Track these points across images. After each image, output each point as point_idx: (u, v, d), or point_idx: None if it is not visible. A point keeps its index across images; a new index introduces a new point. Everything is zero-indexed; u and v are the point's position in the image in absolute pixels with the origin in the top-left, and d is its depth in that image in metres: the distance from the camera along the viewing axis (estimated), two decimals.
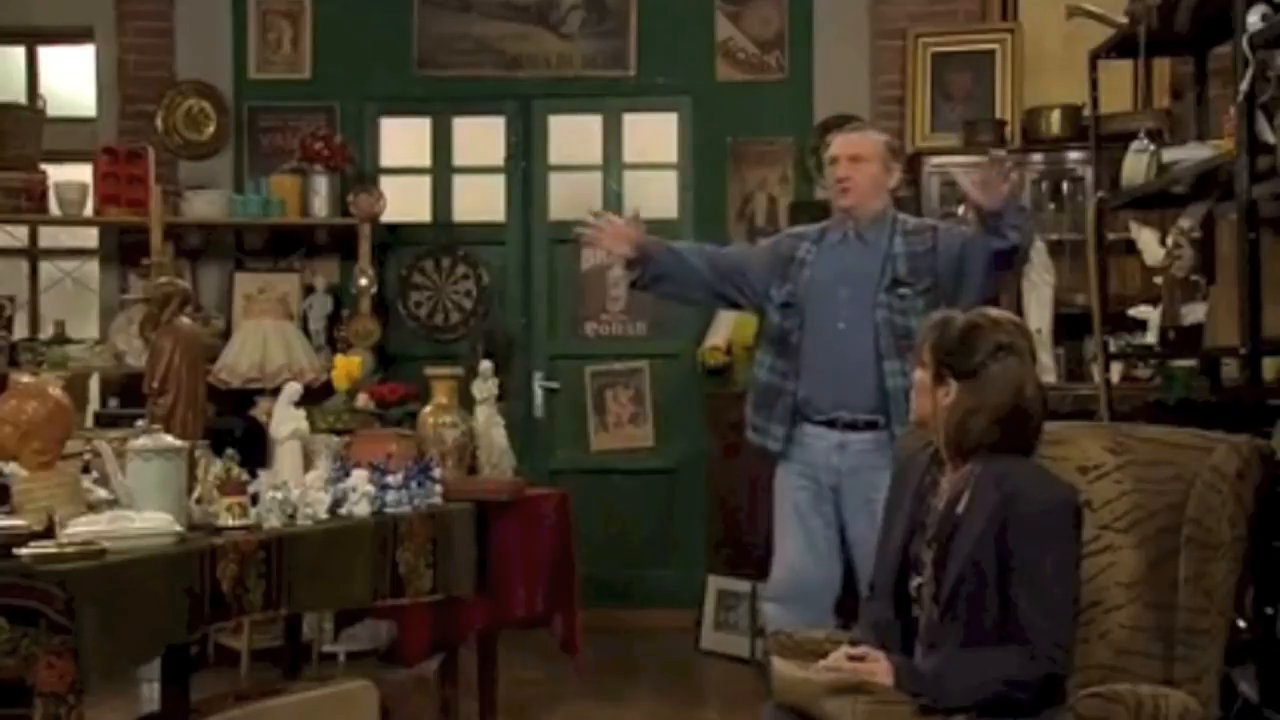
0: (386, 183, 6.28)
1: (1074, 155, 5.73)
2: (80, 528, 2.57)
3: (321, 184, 5.91)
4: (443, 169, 6.49)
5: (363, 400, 4.34)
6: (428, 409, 3.91)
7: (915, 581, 2.54)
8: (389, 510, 3.27)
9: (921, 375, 2.55)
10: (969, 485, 2.46)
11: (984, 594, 2.38)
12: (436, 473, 3.48)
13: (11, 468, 2.79)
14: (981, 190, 3.55)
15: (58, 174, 5.94)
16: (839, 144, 3.87)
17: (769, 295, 3.83)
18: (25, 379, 2.95)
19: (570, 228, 6.42)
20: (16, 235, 6.47)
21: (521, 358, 6.28)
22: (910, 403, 2.66)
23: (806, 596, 3.69)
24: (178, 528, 2.72)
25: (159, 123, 6.25)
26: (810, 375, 3.72)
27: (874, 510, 3.35)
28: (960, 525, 2.43)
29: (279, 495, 2.99)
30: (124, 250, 6.18)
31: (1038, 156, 5.83)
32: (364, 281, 5.87)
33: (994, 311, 2.61)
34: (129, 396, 5.61)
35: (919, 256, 3.72)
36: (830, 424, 3.70)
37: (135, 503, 2.78)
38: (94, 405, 5.98)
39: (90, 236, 6.40)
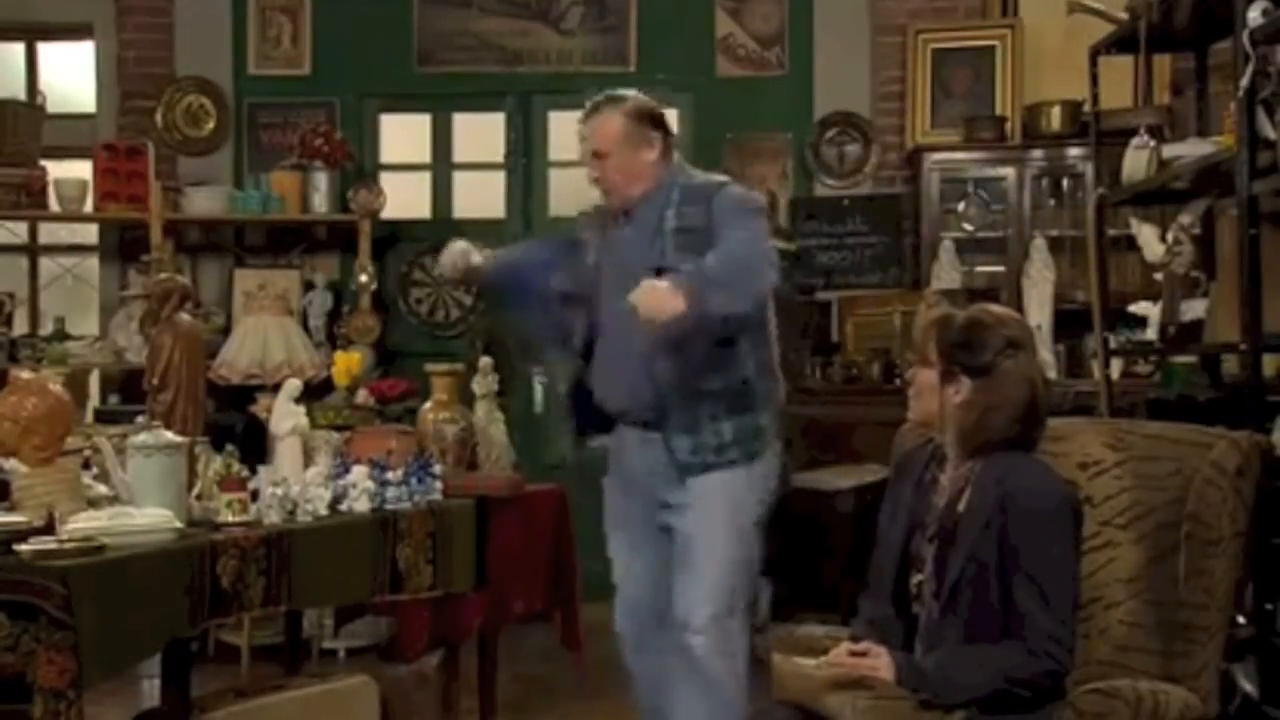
0: (386, 179, 6.29)
1: (1074, 151, 5.74)
2: (80, 524, 2.57)
3: (321, 180, 5.92)
4: (443, 165, 6.49)
5: (363, 396, 4.34)
6: (428, 405, 3.90)
7: (916, 578, 2.54)
8: (389, 506, 3.26)
9: (925, 374, 2.54)
10: (970, 482, 2.46)
11: (985, 590, 2.38)
12: (436, 469, 3.48)
13: (12, 464, 2.79)
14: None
15: (57, 170, 5.94)
16: (580, 139, 3.40)
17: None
18: (25, 375, 2.94)
19: (570, 224, 6.46)
20: (16, 231, 6.47)
21: (520, 354, 6.27)
22: (910, 401, 2.63)
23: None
24: (178, 524, 2.72)
25: (159, 119, 6.25)
26: (596, 377, 3.35)
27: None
28: (961, 522, 2.43)
29: (279, 491, 2.99)
30: (124, 246, 6.19)
31: (1038, 152, 5.84)
32: (364, 278, 5.87)
33: (995, 308, 2.61)
34: (129, 393, 5.62)
35: (690, 234, 3.17)
36: (631, 424, 3.32)
37: (135, 499, 2.78)
38: (94, 401, 5.98)
39: (90, 233, 6.40)
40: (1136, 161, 3.97)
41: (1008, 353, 2.46)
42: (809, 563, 5.31)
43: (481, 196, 6.46)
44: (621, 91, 3.41)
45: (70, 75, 6.52)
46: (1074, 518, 2.44)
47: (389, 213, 6.11)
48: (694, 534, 3.22)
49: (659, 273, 3.05)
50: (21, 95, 6.32)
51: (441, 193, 6.50)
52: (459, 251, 3.44)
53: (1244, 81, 3.23)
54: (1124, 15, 4.20)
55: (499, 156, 6.42)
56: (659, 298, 2.90)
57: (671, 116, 6.24)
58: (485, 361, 4.03)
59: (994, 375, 2.45)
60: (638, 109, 3.34)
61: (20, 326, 6.14)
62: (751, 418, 3.23)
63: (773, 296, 3.25)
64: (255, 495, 2.99)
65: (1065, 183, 5.87)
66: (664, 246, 3.20)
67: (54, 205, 5.90)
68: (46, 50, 6.54)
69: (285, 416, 3.40)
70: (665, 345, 3.08)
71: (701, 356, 3.13)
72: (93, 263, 6.44)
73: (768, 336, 3.29)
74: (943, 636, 2.44)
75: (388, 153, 6.49)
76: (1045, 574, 2.35)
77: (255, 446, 3.53)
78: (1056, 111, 5.74)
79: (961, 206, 5.90)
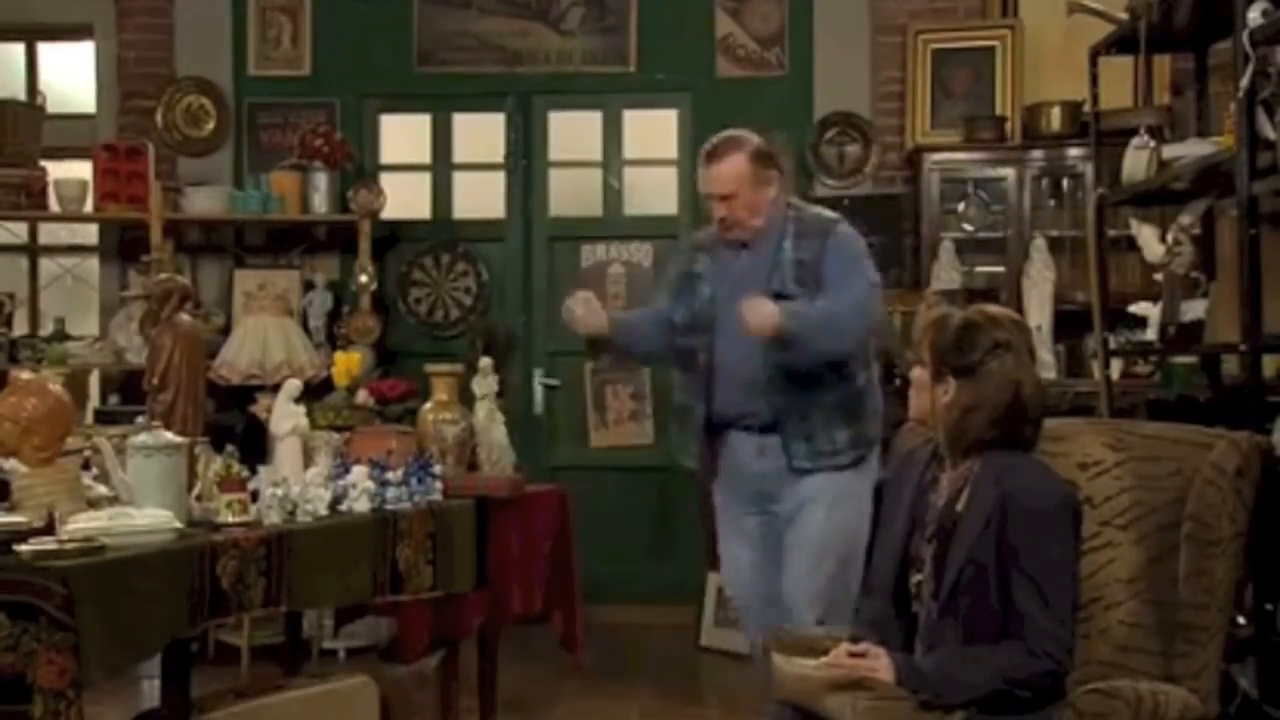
0: (386, 179, 6.28)
1: (1074, 152, 5.74)
2: (80, 524, 2.56)
3: (321, 180, 5.91)
4: (443, 165, 6.49)
5: (363, 397, 4.34)
6: (428, 406, 3.90)
7: (915, 578, 2.54)
8: (389, 507, 3.26)
9: (920, 373, 2.56)
10: (969, 482, 2.46)
11: (984, 591, 2.38)
12: (436, 469, 3.48)
13: (12, 464, 2.79)
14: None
15: (57, 170, 5.94)
16: (703, 183, 3.65)
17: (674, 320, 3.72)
18: (25, 375, 2.94)
19: (570, 224, 6.49)
20: (16, 232, 6.47)
21: (521, 354, 6.28)
22: (910, 400, 2.65)
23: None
24: (178, 524, 2.72)
25: (159, 119, 6.25)
26: (717, 393, 3.63)
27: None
28: (960, 522, 2.44)
29: (279, 492, 2.99)
30: (124, 247, 6.19)
31: (1038, 153, 5.83)
32: (364, 278, 5.87)
33: (992, 309, 2.61)
34: (129, 393, 5.62)
35: (805, 265, 3.55)
36: (747, 429, 3.63)
37: (135, 499, 2.78)
38: (94, 402, 5.98)
39: (90, 233, 6.40)
40: (1136, 162, 3.97)
41: (995, 354, 2.46)
42: None
43: (481, 196, 6.46)
44: (739, 133, 3.65)
45: (70, 75, 6.52)
46: (1073, 518, 2.44)
47: (389, 213, 6.11)
48: (801, 526, 3.55)
49: (777, 297, 3.44)
50: (21, 95, 6.32)
51: (441, 193, 6.50)
52: (588, 302, 3.66)
53: (1244, 82, 3.23)
54: (1124, 15, 4.21)
55: (499, 156, 6.42)
56: (761, 314, 3.34)
57: (671, 117, 6.37)
58: (485, 361, 4.03)
59: (977, 376, 2.46)
60: (758, 150, 3.60)
61: (20, 327, 6.13)
62: (862, 425, 3.59)
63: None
64: (255, 495, 2.99)
65: (1065, 183, 5.87)
66: (783, 276, 3.54)
67: (54, 205, 5.90)
68: (46, 50, 6.54)
69: (285, 417, 3.40)
70: (780, 361, 3.44)
71: (819, 372, 3.49)
72: (93, 263, 6.43)
73: (870, 353, 3.68)
74: (942, 636, 2.44)
75: (388, 153, 6.49)
76: (1044, 574, 2.35)
77: (255, 447, 3.53)
78: (1056, 112, 5.74)
79: (961, 207, 5.89)
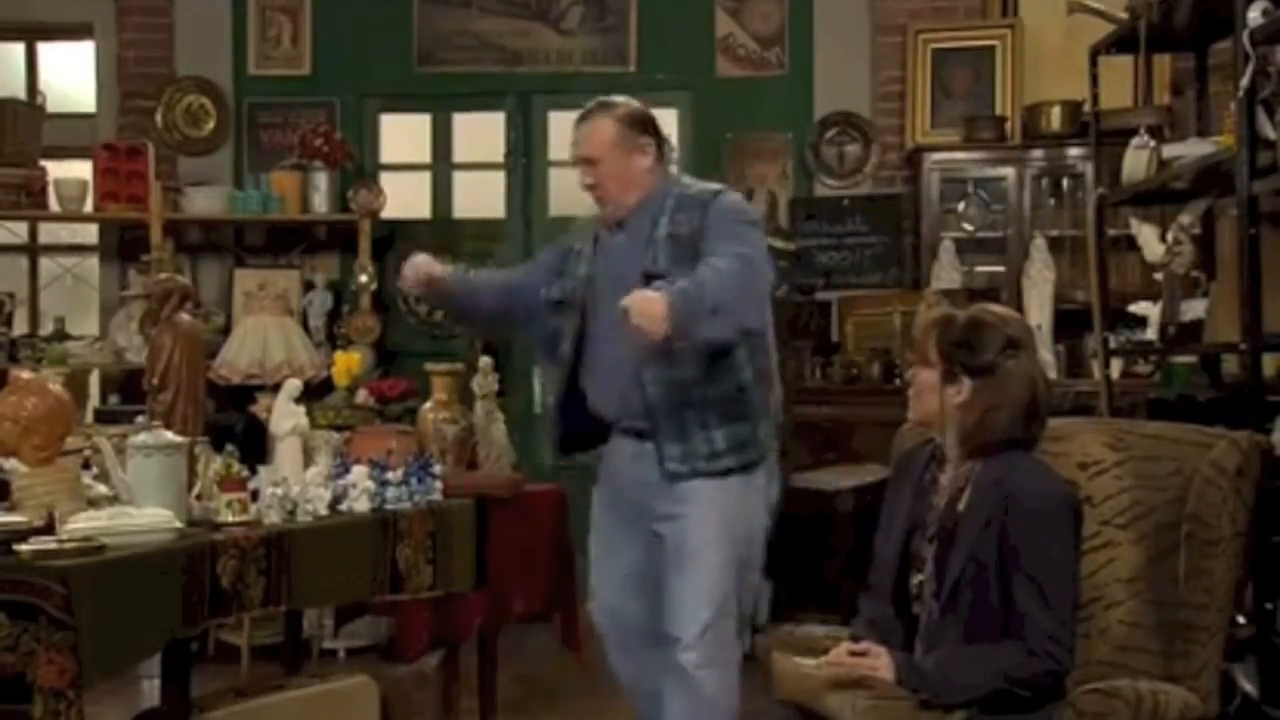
0: (386, 179, 6.29)
1: (1074, 151, 5.74)
2: (80, 524, 2.56)
3: (321, 180, 5.91)
4: (443, 165, 6.49)
5: (363, 396, 4.34)
6: (427, 405, 3.90)
7: (916, 579, 2.54)
8: (389, 506, 3.26)
9: (926, 374, 2.54)
10: (970, 482, 2.46)
11: (985, 590, 2.38)
12: (436, 469, 3.48)
13: (12, 464, 2.79)
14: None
15: (57, 170, 5.94)
16: (571, 146, 3.33)
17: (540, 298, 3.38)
18: (25, 375, 2.94)
19: (571, 223, 6.46)
20: (16, 231, 6.47)
21: (521, 353, 6.27)
22: (910, 401, 2.64)
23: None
24: (178, 524, 2.72)
25: (159, 119, 6.25)
26: (590, 388, 3.28)
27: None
28: (961, 522, 2.44)
29: (279, 491, 2.99)
30: (124, 246, 6.19)
31: (1038, 152, 5.84)
32: (364, 278, 5.87)
33: (995, 308, 2.61)
34: (129, 393, 5.62)
35: (681, 241, 3.13)
36: (624, 432, 3.25)
37: (135, 499, 2.78)
38: (94, 401, 5.98)
39: (90, 233, 6.40)
40: (1136, 161, 3.97)
41: (1009, 352, 2.46)
42: (809, 563, 5.32)
43: (481, 196, 6.46)
44: (614, 98, 3.34)
45: (70, 75, 6.52)
46: (1074, 518, 2.44)
47: (389, 213, 6.11)
48: (683, 542, 3.14)
49: (650, 279, 3.00)
50: (21, 95, 6.32)
51: (441, 193, 6.50)
52: (421, 262, 3.40)
53: (1244, 81, 3.23)
54: (1124, 15, 4.20)
55: (499, 156, 6.42)
56: (649, 312, 2.83)
57: (671, 116, 6.36)
58: (485, 361, 4.03)
59: (995, 375, 2.46)
60: (629, 114, 3.26)
61: (20, 326, 6.13)
62: (746, 426, 3.16)
63: (771, 302, 3.21)
64: (255, 495, 2.99)
65: (1065, 183, 5.87)
66: (656, 254, 3.15)
67: (54, 205, 5.89)
68: (46, 50, 6.54)
69: (285, 416, 3.40)
70: (657, 352, 3.00)
71: (694, 364, 3.07)
72: (93, 263, 6.44)
73: (767, 344, 3.21)
74: (943, 636, 2.44)
75: (388, 153, 6.49)
76: (1045, 574, 2.35)
77: (255, 446, 3.53)
78: (1056, 111, 5.74)
79: (961, 206, 5.90)
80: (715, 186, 3.30)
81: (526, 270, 3.62)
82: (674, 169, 3.37)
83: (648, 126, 3.27)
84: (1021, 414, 2.46)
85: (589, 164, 3.25)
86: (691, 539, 3.13)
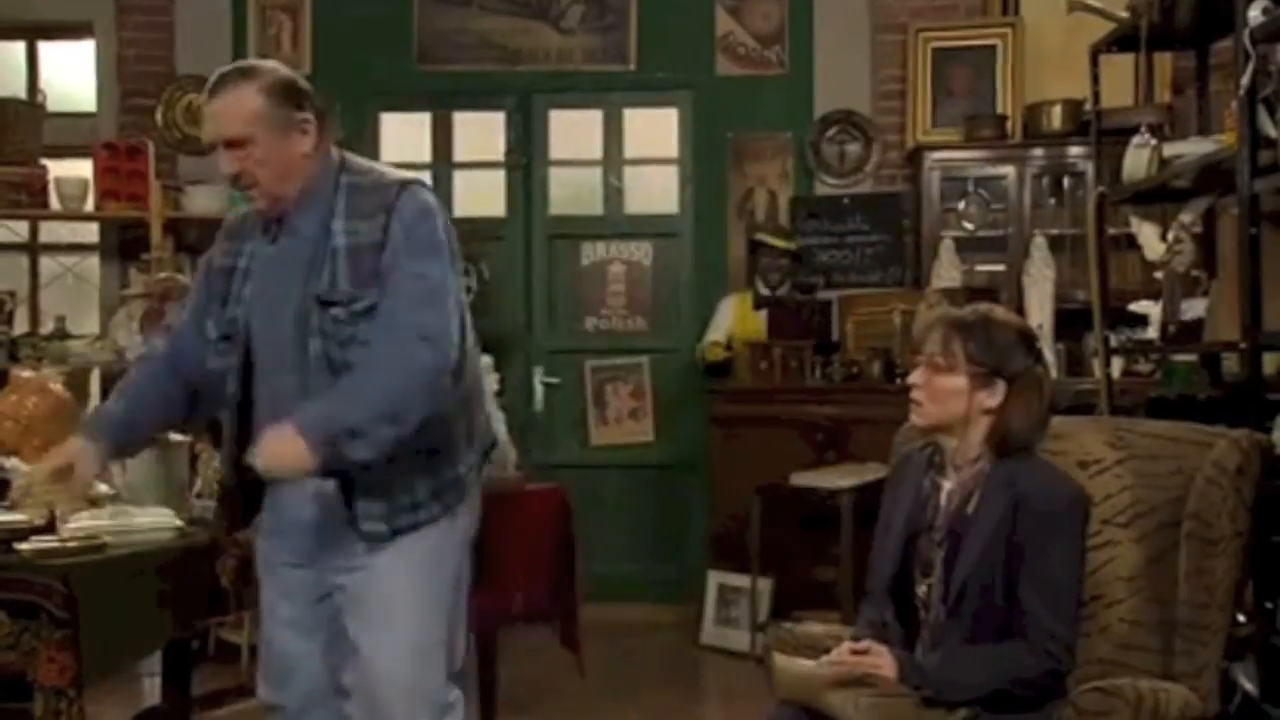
0: None
1: (1075, 150, 5.74)
2: (81, 523, 2.57)
3: None
4: (443, 164, 6.49)
5: None
6: None
7: (923, 584, 2.52)
8: None
9: (946, 379, 2.48)
10: (979, 485, 2.46)
11: (991, 590, 2.38)
12: None
13: (13, 462, 2.79)
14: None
15: (58, 169, 5.93)
16: (207, 122, 2.65)
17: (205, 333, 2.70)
18: (26, 374, 2.94)
19: (570, 223, 6.49)
20: (17, 230, 6.47)
21: (521, 353, 6.28)
22: (918, 404, 2.59)
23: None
24: (178, 522, 2.72)
25: (159, 117, 6.25)
26: (260, 430, 2.51)
27: None
28: (971, 525, 2.43)
29: None
30: (124, 245, 6.18)
31: (1038, 151, 5.84)
32: None
33: (998, 309, 2.61)
34: None
35: (363, 254, 2.53)
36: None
37: (136, 498, 2.78)
38: (95, 400, 5.97)
39: (90, 231, 6.40)
40: (1137, 160, 3.97)
41: (1035, 356, 2.49)
42: (809, 563, 5.32)
43: (481, 195, 6.46)
44: (254, 62, 2.70)
45: (70, 74, 6.52)
46: (1084, 517, 2.45)
47: None
48: (372, 593, 2.60)
49: (327, 305, 2.51)
50: (22, 94, 6.32)
51: (441, 192, 6.48)
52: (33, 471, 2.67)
53: (1245, 80, 3.23)
54: (1124, 14, 4.20)
55: (499, 155, 6.42)
56: (283, 450, 2.38)
57: (671, 115, 6.36)
58: (485, 360, 4.02)
59: (1028, 378, 2.47)
60: (280, 82, 2.58)
61: (21, 325, 6.13)
62: (450, 468, 2.64)
63: (467, 309, 2.63)
64: None
65: (1066, 181, 5.87)
66: (335, 272, 2.54)
67: (54, 204, 5.89)
68: (46, 49, 6.54)
69: None
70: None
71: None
72: (93, 261, 6.43)
73: (467, 366, 2.62)
74: (946, 637, 2.44)
75: (388, 151, 6.49)
76: (1052, 573, 2.35)
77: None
78: (1057, 110, 5.74)
79: (962, 205, 5.90)
80: (395, 175, 2.65)
81: (185, 322, 2.82)
82: (337, 151, 2.66)
83: (304, 99, 2.60)
84: (1045, 416, 2.50)
85: (235, 146, 2.57)
86: (383, 589, 2.60)
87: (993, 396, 2.47)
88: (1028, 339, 2.51)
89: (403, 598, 2.60)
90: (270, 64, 2.67)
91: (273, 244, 2.64)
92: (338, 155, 2.65)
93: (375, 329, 2.50)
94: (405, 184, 2.60)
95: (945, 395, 2.49)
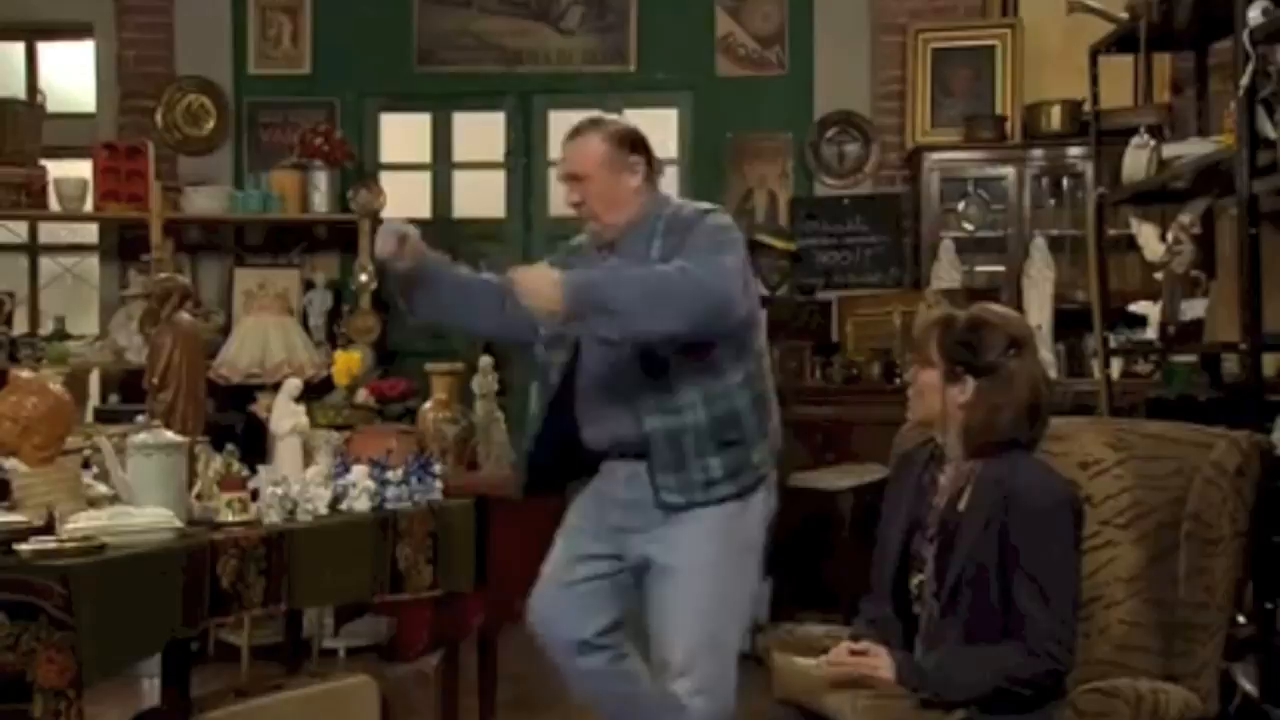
0: (386, 178, 6.29)
1: (1074, 151, 5.74)
2: (80, 523, 2.57)
3: (321, 180, 5.92)
4: (443, 165, 6.49)
5: (363, 396, 4.34)
6: (428, 405, 3.91)
7: (916, 579, 2.54)
8: (389, 506, 3.26)
9: (927, 374, 2.54)
10: (970, 482, 2.46)
11: (985, 590, 2.38)
12: (436, 468, 3.48)
13: (12, 463, 2.79)
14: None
15: (57, 169, 5.94)
16: (561, 161, 3.23)
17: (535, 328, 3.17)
18: (25, 375, 2.94)
19: (571, 224, 6.46)
20: (16, 231, 6.47)
21: (521, 353, 6.27)
22: (910, 401, 2.63)
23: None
24: (178, 523, 2.72)
25: (159, 118, 6.26)
26: (585, 420, 3.16)
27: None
28: (961, 522, 2.44)
29: (279, 491, 2.99)
30: (124, 246, 6.19)
31: (1038, 152, 5.84)
32: (364, 277, 5.87)
33: (997, 308, 2.62)
34: (129, 392, 5.62)
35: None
36: (622, 456, 3.13)
37: (135, 498, 2.78)
38: (94, 401, 5.98)
39: (90, 232, 6.40)
40: (1136, 161, 3.97)
41: (1011, 352, 2.46)
42: (809, 563, 5.32)
43: (481, 196, 6.46)
44: (606, 115, 3.26)
45: (70, 75, 6.52)
46: (1075, 517, 2.44)
47: (389, 212, 6.09)
48: (675, 566, 3.05)
49: None
50: (21, 95, 6.33)
51: (441, 192, 6.50)
52: (397, 226, 3.27)
53: (1244, 81, 3.23)
54: (1124, 15, 4.20)
55: (499, 156, 6.42)
56: (538, 285, 2.82)
57: (671, 116, 6.36)
58: (485, 361, 4.03)
59: (998, 375, 2.46)
60: (619, 133, 3.14)
61: (20, 326, 6.14)
62: (742, 451, 3.05)
63: (755, 327, 3.12)
64: (255, 495, 2.99)
65: (1065, 182, 5.87)
66: None
67: (54, 205, 5.90)
68: (46, 50, 6.55)
69: (285, 416, 3.40)
70: (649, 381, 2.98)
71: (686, 391, 3.00)
72: (93, 262, 6.44)
73: (763, 369, 3.14)
74: (943, 636, 2.44)
75: (388, 152, 6.50)
76: (1046, 573, 2.35)
77: (255, 446, 3.54)
78: (1056, 111, 5.74)
79: (961, 206, 5.90)
80: (704, 206, 3.19)
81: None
82: (664, 191, 3.25)
83: (638, 145, 3.16)
84: (1024, 414, 2.46)
85: (576, 180, 3.13)
86: (684, 562, 3.03)
87: (964, 393, 2.48)
88: (1010, 337, 2.48)
89: (697, 566, 3.02)
90: (613, 117, 3.25)
91: (605, 264, 3.11)
92: (664, 196, 3.22)
93: None
94: (705, 211, 3.13)
95: (925, 390, 2.55)
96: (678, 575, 3.05)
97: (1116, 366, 4.77)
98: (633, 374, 2.99)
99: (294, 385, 3.51)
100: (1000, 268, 5.83)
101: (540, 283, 2.82)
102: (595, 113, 3.26)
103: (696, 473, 3.02)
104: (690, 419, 3.00)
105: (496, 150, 6.42)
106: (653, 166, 3.18)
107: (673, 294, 2.86)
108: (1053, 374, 5.31)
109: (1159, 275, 4.22)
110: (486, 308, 3.22)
